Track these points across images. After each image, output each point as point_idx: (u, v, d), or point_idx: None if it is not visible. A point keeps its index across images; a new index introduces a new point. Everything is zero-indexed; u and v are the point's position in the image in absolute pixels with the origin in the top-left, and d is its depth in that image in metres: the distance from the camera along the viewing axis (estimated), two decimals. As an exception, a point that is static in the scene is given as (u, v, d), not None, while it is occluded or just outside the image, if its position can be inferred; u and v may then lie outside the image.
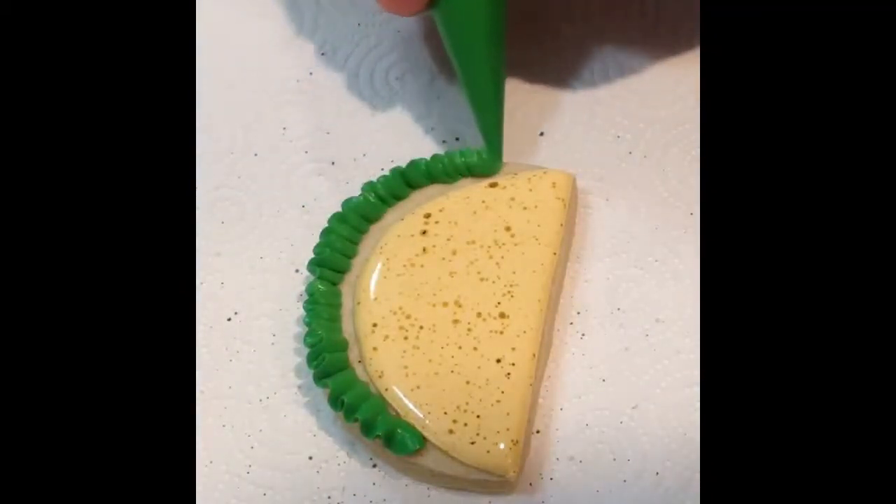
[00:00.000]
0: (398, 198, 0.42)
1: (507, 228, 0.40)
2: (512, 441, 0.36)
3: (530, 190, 0.41)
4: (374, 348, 0.38)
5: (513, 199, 0.41)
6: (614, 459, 0.37)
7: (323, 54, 0.48)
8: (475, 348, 0.38)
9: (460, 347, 0.38)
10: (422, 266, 0.40)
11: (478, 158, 0.42)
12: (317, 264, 0.40)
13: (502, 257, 0.40)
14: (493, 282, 0.39)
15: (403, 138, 0.45)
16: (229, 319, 0.42)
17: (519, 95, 0.46)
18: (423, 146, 0.45)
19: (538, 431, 0.38)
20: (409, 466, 0.37)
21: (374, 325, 0.39)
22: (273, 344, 0.41)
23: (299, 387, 0.40)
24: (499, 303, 0.39)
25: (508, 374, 0.37)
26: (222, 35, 0.49)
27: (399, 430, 0.36)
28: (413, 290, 0.39)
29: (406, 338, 0.38)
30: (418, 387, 0.37)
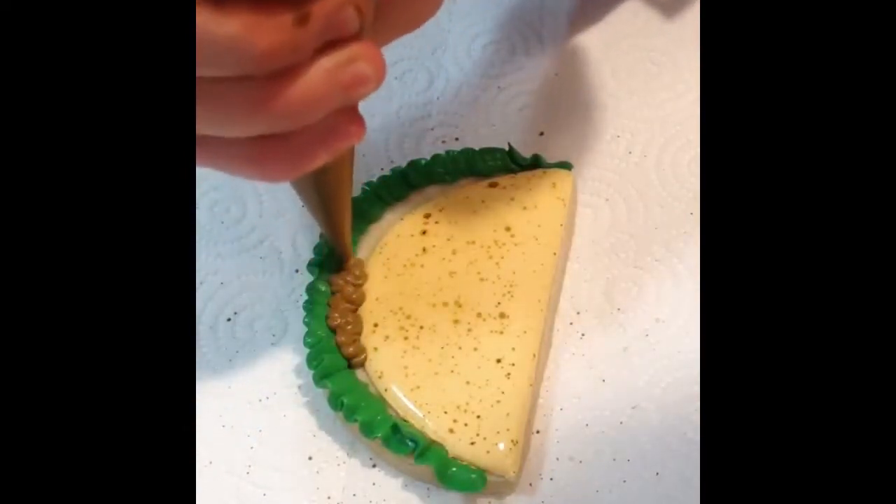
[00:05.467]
0: (398, 198, 0.42)
1: (507, 228, 0.40)
2: (512, 441, 0.36)
3: (530, 190, 0.41)
4: (375, 348, 0.38)
5: (513, 199, 0.41)
6: (614, 459, 0.37)
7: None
8: (475, 348, 0.38)
9: (460, 347, 0.38)
10: (422, 266, 0.40)
11: (480, 159, 0.42)
12: (317, 265, 0.40)
13: (502, 257, 0.40)
14: (493, 282, 0.39)
15: (403, 138, 0.45)
16: (229, 319, 0.42)
17: (519, 95, 0.46)
18: (423, 146, 0.45)
19: (538, 431, 0.38)
20: (409, 466, 0.37)
21: (375, 325, 0.39)
22: (273, 344, 0.41)
23: (299, 387, 0.40)
24: (499, 303, 0.39)
25: (508, 374, 0.37)
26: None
27: (399, 430, 0.36)
28: (413, 290, 0.39)
29: (406, 338, 0.38)
30: (418, 387, 0.37)
